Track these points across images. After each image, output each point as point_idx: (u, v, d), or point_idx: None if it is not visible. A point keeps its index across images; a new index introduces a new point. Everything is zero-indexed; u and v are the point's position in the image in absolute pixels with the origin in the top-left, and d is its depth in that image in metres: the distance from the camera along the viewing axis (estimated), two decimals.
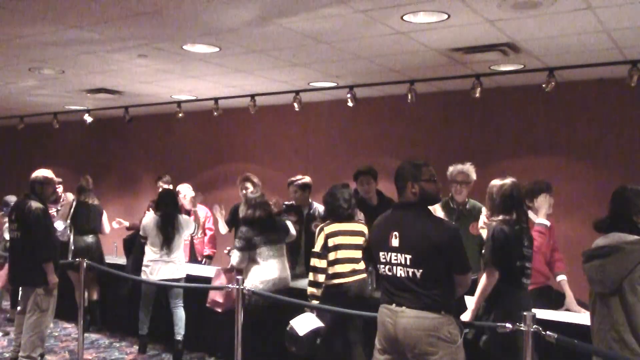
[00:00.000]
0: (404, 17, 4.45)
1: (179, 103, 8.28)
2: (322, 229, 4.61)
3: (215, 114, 8.00)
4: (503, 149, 7.09)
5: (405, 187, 3.27)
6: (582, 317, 4.11)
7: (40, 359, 5.40)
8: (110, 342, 6.52)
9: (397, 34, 4.88)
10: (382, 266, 3.27)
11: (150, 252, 5.86)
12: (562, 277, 4.58)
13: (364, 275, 4.64)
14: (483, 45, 5.21)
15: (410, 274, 3.13)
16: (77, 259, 5.80)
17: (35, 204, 5.30)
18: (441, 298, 3.11)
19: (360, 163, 6.40)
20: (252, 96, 7.57)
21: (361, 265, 4.62)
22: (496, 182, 3.82)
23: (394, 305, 3.17)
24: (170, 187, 7.21)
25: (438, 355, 3.05)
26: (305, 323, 4.38)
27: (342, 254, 4.54)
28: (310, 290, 4.52)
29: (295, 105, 7.27)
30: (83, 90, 7.79)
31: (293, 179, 6.09)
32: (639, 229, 3.11)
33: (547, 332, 3.05)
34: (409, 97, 6.51)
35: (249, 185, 6.20)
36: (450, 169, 5.04)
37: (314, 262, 4.53)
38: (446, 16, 4.42)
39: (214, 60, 5.95)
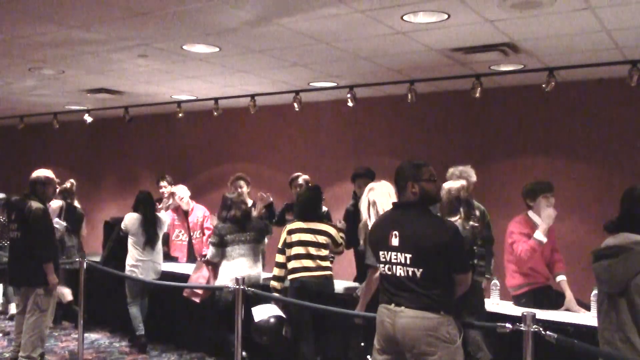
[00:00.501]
0: (404, 17, 4.45)
1: (179, 103, 8.28)
2: (285, 227, 4.96)
3: (215, 114, 8.00)
4: (503, 149, 7.09)
5: (405, 186, 3.28)
6: (582, 317, 4.12)
7: (40, 359, 5.40)
8: (110, 342, 6.53)
9: (397, 34, 4.88)
10: (381, 265, 3.27)
11: (136, 252, 6.06)
12: (561, 278, 4.59)
13: (328, 272, 4.83)
14: (483, 45, 5.20)
15: (410, 273, 3.13)
16: (77, 259, 5.80)
17: (35, 204, 5.30)
18: (441, 298, 3.11)
19: (360, 163, 6.42)
20: (252, 96, 7.57)
21: (325, 263, 4.83)
22: (445, 185, 4.03)
23: (393, 305, 3.17)
24: (172, 186, 7.23)
25: (437, 356, 3.05)
26: (263, 311, 4.70)
27: (301, 250, 4.80)
28: (272, 284, 4.89)
29: (295, 105, 7.26)
30: (83, 90, 7.79)
31: (294, 175, 6.12)
32: None
33: (547, 332, 3.05)
34: (409, 97, 6.51)
35: (242, 184, 6.23)
36: (451, 170, 5.03)
37: (277, 257, 4.89)
38: (446, 16, 4.42)
39: (214, 60, 5.95)
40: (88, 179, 10.70)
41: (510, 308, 4.47)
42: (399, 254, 3.18)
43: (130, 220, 6.12)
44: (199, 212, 6.96)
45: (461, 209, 3.88)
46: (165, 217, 6.60)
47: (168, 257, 6.78)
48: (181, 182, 7.51)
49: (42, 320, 5.35)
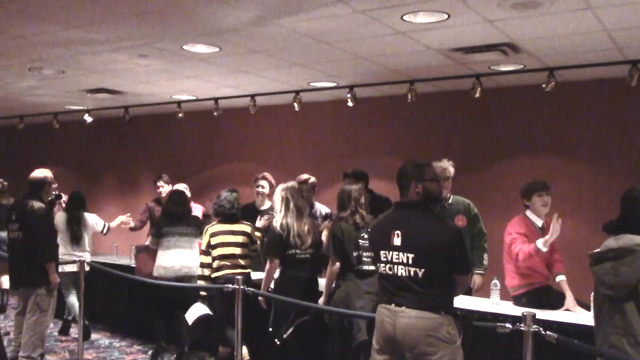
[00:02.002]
0: (404, 17, 4.45)
1: (179, 103, 8.28)
2: (207, 229, 5.31)
3: (215, 114, 8.00)
4: (503, 149, 7.09)
5: (408, 186, 3.27)
6: (582, 317, 4.11)
7: (40, 359, 5.39)
8: (110, 342, 6.53)
9: (397, 34, 4.88)
10: (382, 265, 3.26)
11: (63, 249, 6.42)
12: (561, 278, 4.59)
13: (247, 270, 5.25)
14: (483, 45, 5.21)
15: (412, 273, 3.13)
16: (77, 259, 5.80)
17: (37, 204, 5.30)
18: (441, 298, 3.11)
19: (360, 163, 6.42)
20: (252, 96, 7.57)
21: (246, 261, 5.27)
22: (343, 187, 4.79)
23: (393, 305, 3.16)
24: (170, 186, 7.22)
25: (437, 356, 3.04)
26: (194, 312, 5.15)
27: (223, 250, 5.19)
28: (199, 282, 5.31)
29: (295, 105, 7.26)
30: (83, 90, 7.79)
31: (303, 178, 5.98)
32: None
33: (547, 332, 3.05)
34: (409, 97, 6.51)
35: (265, 184, 6.09)
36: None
37: (202, 258, 5.31)
38: (446, 16, 4.42)
39: (214, 60, 5.95)
40: (88, 179, 10.70)
41: (510, 308, 4.47)
42: (400, 253, 3.17)
43: (59, 219, 6.53)
44: (197, 213, 6.96)
45: (351, 206, 4.59)
46: (93, 218, 6.80)
47: None
48: (181, 182, 7.52)
49: (42, 321, 5.35)
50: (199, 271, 5.32)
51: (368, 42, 5.17)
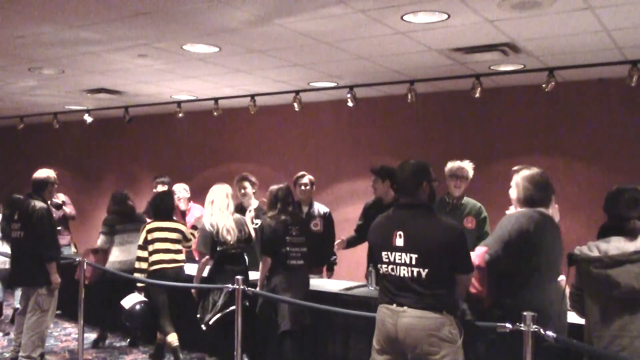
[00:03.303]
0: (404, 17, 4.45)
1: (179, 103, 8.28)
2: (144, 227, 5.73)
3: (215, 114, 8.00)
4: (503, 149, 7.09)
5: (419, 187, 3.26)
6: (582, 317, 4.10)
7: (40, 359, 5.40)
8: (110, 342, 6.52)
9: (397, 34, 4.88)
10: (384, 266, 3.25)
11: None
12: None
13: (181, 264, 5.74)
14: (483, 45, 5.21)
15: (415, 273, 3.12)
16: (77, 259, 5.80)
17: (39, 204, 5.31)
18: (444, 298, 3.11)
19: (360, 163, 6.42)
20: (252, 96, 7.57)
21: (180, 256, 5.75)
22: (271, 188, 5.12)
23: (394, 305, 3.16)
24: (169, 187, 7.23)
25: (439, 355, 3.05)
26: (131, 300, 5.61)
27: (159, 246, 5.64)
28: (136, 275, 5.63)
29: (295, 105, 7.26)
30: (83, 90, 7.79)
31: (300, 175, 6.09)
32: None
33: (547, 332, 3.05)
34: (409, 97, 6.51)
35: (247, 184, 6.26)
36: (449, 164, 5.13)
37: (138, 252, 5.66)
38: (446, 16, 4.42)
39: (214, 60, 5.95)
40: (88, 179, 10.70)
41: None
42: (403, 254, 3.17)
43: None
44: (196, 212, 6.96)
45: (278, 205, 4.98)
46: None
47: None
48: (180, 182, 7.52)
49: (42, 320, 5.35)
50: (136, 264, 5.69)
51: (368, 42, 5.17)
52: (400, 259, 3.17)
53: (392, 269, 3.21)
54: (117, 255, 6.15)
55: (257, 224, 5.90)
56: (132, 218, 6.34)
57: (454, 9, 4.27)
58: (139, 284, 5.70)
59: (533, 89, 6.50)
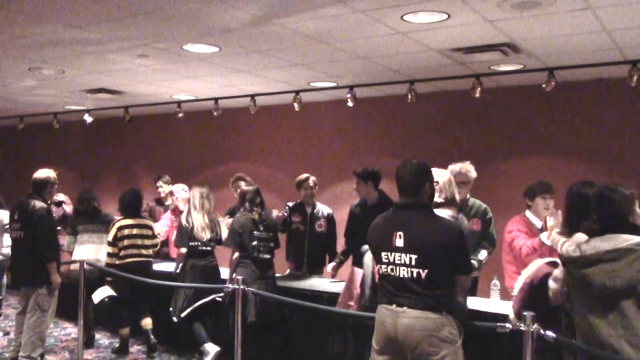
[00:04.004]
0: (404, 17, 4.45)
1: (179, 103, 8.28)
2: (114, 224, 5.99)
3: (215, 114, 8.00)
4: (503, 149, 7.09)
5: (422, 187, 3.26)
6: None
7: (40, 359, 5.39)
8: (110, 342, 6.52)
9: (397, 34, 4.88)
10: (383, 266, 3.25)
11: None
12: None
13: (150, 258, 6.09)
14: (483, 45, 5.20)
15: (415, 274, 3.12)
16: (77, 260, 5.80)
17: (39, 204, 5.31)
18: (443, 298, 3.11)
19: (360, 163, 6.41)
20: (252, 96, 7.57)
21: (147, 251, 6.06)
22: (241, 189, 5.70)
23: (394, 305, 3.16)
24: (170, 187, 7.23)
25: (439, 356, 3.05)
26: (101, 294, 5.84)
27: (128, 242, 5.92)
28: (107, 269, 5.89)
29: (295, 105, 7.26)
30: (83, 90, 7.79)
31: (304, 177, 6.12)
32: (637, 229, 3.02)
33: (547, 332, 3.05)
34: (409, 97, 6.51)
35: (242, 184, 6.26)
36: (450, 168, 5.08)
37: (108, 249, 5.94)
38: (446, 16, 4.42)
39: (214, 60, 5.95)
40: (88, 179, 10.70)
41: (510, 308, 4.46)
42: (403, 254, 3.16)
43: None
44: None
45: (246, 204, 5.46)
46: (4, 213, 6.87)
47: (168, 258, 6.78)
48: (181, 182, 7.52)
49: (42, 320, 5.35)
50: (108, 260, 5.95)
51: (368, 42, 5.17)
52: (400, 260, 3.17)
53: (392, 270, 3.20)
54: (76, 255, 6.23)
55: (281, 215, 6.14)
56: (93, 218, 6.41)
57: (454, 9, 4.27)
58: (108, 278, 5.90)
59: (533, 89, 6.50)
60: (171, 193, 7.04)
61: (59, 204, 7.33)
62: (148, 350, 5.92)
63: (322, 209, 6.15)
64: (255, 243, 5.31)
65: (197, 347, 5.61)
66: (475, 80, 6.12)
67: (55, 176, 5.62)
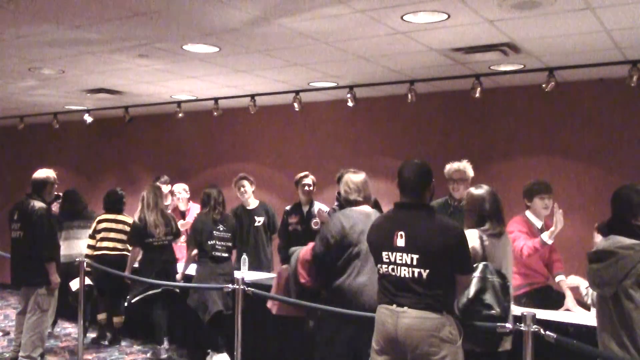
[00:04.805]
0: (404, 17, 4.45)
1: (179, 103, 8.27)
2: (96, 218, 6.54)
3: (215, 114, 8.00)
4: (503, 148, 7.09)
5: (426, 187, 3.27)
6: (582, 317, 4.12)
7: (40, 359, 5.40)
8: (111, 342, 6.52)
9: (397, 34, 4.88)
10: (384, 266, 3.25)
11: None
12: (561, 277, 4.59)
13: (124, 252, 6.36)
14: (483, 45, 5.20)
15: (416, 274, 3.12)
16: (77, 260, 5.80)
17: (38, 204, 5.31)
18: (444, 298, 3.12)
19: (360, 163, 6.41)
20: (252, 96, 7.57)
21: (122, 245, 6.44)
22: (204, 190, 5.99)
23: (394, 305, 3.16)
24: (168, 187, 7.23)
25: (440, 356, 3.05)
26: (77, 282, 5.95)
27: (104, 235, 6.45)
28: (85, 260, 6.07)
29: (295, 105, 7.26)
30: (83, 90, 7.79)
31: (304, 175, 6.15)
32: (638, 233, 3.04)
33: (547, 332, 3.05)
34: (409, 97, 6.51)
35: (245, 183, 6.33)
36: (447, 167, 5.12)
37: (88, 241, 6.49)
38: (446, 16, 4.42)
39: (214, 60, 5.95)
40: (88, 179, 10.69)
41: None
42: (404, 254, 3.16)
43: None
44: (195, 212, 6.96)
45: (209, 204, 5.79)
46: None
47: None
48: (181, 182, 7.52)
49: (42, 320, 5.35)
50: (87, 251, 6.44)
51: (368, 42, 5.17)
52: (401, 260, 3.17)
53: (392, 269, 3.20)
54: (62, 250, 6.36)
55: (259, 221, 6.50)
56: (77, 215, 6.82)
57: (454, 9, 4.27)
58: (87, 268, 6.08)
59: (533, 89, 6.50)
60: (172, 193, 7.05)
61: (57, 197, 7.34)
62: (107, 342, 6.49)
63: (319, 207, 6.14)
64: (213, 242, 5.64)
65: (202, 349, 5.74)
66: (475, 80, 6.12)
67: (55, 176, 5.62)
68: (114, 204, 6.69)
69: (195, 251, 5.70)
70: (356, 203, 4.09)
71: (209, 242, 5.63)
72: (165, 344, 6.02)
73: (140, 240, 6.03)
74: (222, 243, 5.69)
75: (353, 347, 3.95)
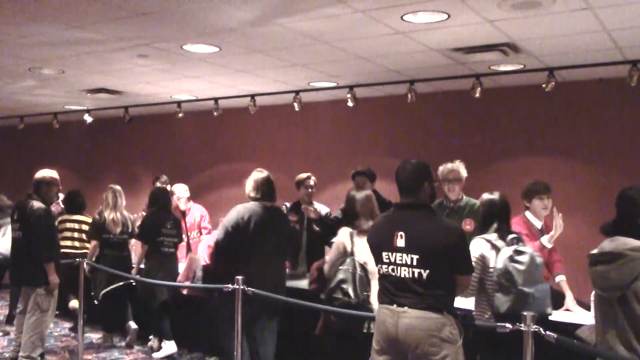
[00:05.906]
0: (404, 17, 4.45)
1: (179, 103, 8.28)
2: (58, 218, 6.51)
3: (215, 114, 8.00)
4: (503, 149, 7.09)
5: (421, 187, 3.26)
6: (582, 317, 4.11)
7: (40, 359, 5.39)
8: (111, 342, 6.52)
9: (397, 34, 4.88)
10: (384, 266, 3.24)
11: None
12: (561, 278, 4.58)
13: (85, 250, 6.55)
14: (483, 45, 5.21)
15: (416, 274, 3.12)
16: (77, 260, 5.80)
17: (37, 204, 5.31)
18: (444, 298, 3.11)
19: (360, 163, 6.41)
20: (252, 96, 7.57)
21: (81, 244, 6.71)
22: (152, 190, 6.44)
23: (395, 305, 3.15)
24: (168, 187, 7.22)
25: (440, 356, 3.04)
26: (76, 302, 6.01)
27: (65, 234, 6.70)
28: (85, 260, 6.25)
29: (295, 105, 7.26)
30: (83, 90, 7.79)
31: (306, 176, 6.12)
32: None
33: (547, 332, 3.05)
34: (409, 97, 6.51)
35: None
36: (441, 168, 5.11)
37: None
38: (446, 16, 4.42)
39: (214, 60, 5.95)
40: (88, 179, 10.70)
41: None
42: (404, 255, 3.16)
43: None
44: (196, 212, 6.97)
45: (158, 203, 6.13)
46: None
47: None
48: (181, 182, 7.51)
49: (42, 320, 5.35)
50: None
51: (368, 42, 5.17)
52: (401, 260, 3.17)
53: (393, 270, 3.20)
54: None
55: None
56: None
57: (454, 9, 4.27)
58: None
59: (533, 89, 6.49)
60: (172, 193, 7.04)
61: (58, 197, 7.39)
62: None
63: (319, 208, 6.14)
64: (161, 238, 6.00)
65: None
66: (475, 80, 6.12)
67: (57, 177, 5.61)
68: (76, 205, 6.88)
69: (145, 247, 6.07)
70: (254, 199, 4.89)
71: (158, 239, 6.01)
72: (132, 324, 6.40)
73: (98, 235, 6.34)
74: (170, 239, 6.10)
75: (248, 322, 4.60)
